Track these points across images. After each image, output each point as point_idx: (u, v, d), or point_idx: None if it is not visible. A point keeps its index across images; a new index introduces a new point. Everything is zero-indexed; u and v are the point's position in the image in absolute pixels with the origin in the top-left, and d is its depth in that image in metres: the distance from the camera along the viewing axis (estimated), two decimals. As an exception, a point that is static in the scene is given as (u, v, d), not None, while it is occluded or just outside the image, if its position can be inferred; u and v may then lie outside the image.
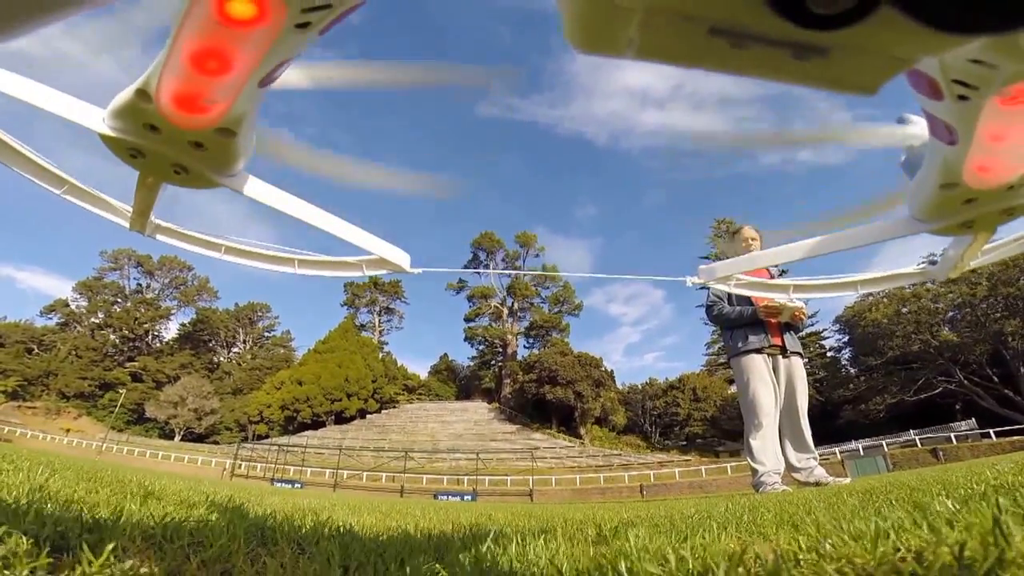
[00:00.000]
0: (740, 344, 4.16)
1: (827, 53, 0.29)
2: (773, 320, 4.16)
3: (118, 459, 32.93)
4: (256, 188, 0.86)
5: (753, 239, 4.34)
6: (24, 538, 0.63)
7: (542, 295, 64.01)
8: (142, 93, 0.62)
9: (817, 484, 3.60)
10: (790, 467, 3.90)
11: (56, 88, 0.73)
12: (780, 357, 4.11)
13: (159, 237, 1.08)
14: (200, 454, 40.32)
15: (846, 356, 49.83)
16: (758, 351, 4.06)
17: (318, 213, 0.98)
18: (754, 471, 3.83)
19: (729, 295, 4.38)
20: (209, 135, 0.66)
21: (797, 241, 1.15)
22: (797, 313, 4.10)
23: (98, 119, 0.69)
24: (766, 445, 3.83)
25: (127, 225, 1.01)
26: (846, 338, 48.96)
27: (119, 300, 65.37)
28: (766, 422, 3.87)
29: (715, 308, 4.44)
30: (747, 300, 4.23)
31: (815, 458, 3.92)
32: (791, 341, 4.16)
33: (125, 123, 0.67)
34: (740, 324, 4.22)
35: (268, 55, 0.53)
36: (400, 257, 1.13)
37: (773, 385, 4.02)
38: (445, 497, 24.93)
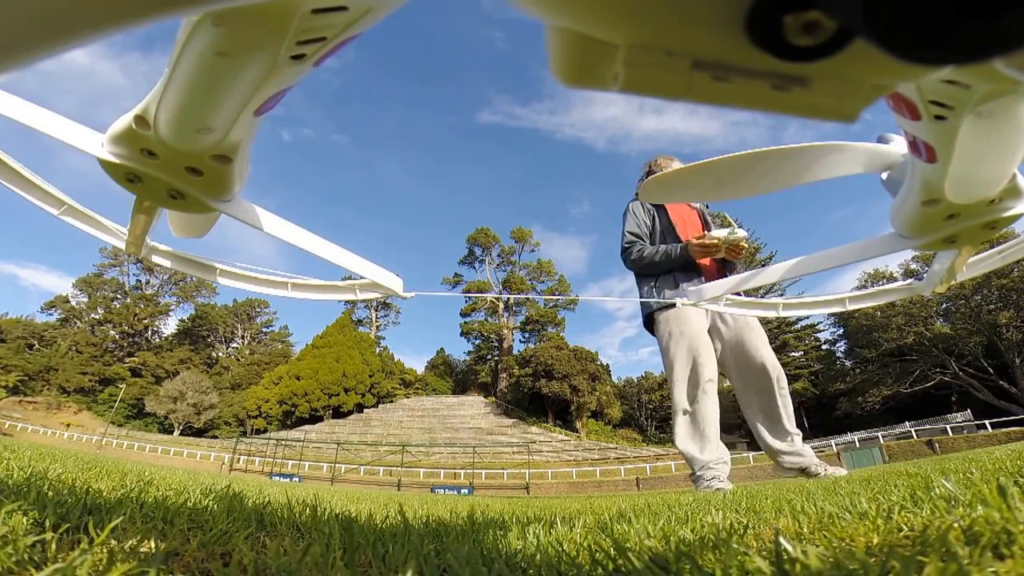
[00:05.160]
0: (666, 294, 3.19)
1: (807, 83, 0.30)
2: (707, 261, 3.20)
3: (118, 453, 32.96)
4: (250, 213, 0.87)
5: (658, 165, 3.55)
6: (25, 518, 0.62)
7: (538, 289, 64.13)
8: (140, 120, 0.63)
9: (805, 471, 2.89)
10: (772, 452, 2.99)
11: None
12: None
13: (155, 259, 1.10)
14: (199, 448, 40.31)
15: (841, 349, 50.18)
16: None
17: (311, 238, 0.99)
18: (688, 462, 2.90)
19: (651, 231, 3.47)
20: (206, 161, 0.67)
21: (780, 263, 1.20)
22: (736, 246, 3.08)
23: (97, 144, 0.69)
24: (701, 429, 2.89)
25: (123, 247, 1.01)
26: (841, 330, 49.24)
27: (119, 296, 65.09)
28: (702, 397, 2.90)
29: (633, 250, 3.37)
30: (675, 237, 3.34)
31: (799, 436, 2.99)
32: None
33: (123, 149, 0.67)
34: (665, 268, 3.25)
35: (264, 85, 0.54)
36: (392, 281, 1.14)
37: (711, 346, 3.08)
38: (442, 490, 25.13)
